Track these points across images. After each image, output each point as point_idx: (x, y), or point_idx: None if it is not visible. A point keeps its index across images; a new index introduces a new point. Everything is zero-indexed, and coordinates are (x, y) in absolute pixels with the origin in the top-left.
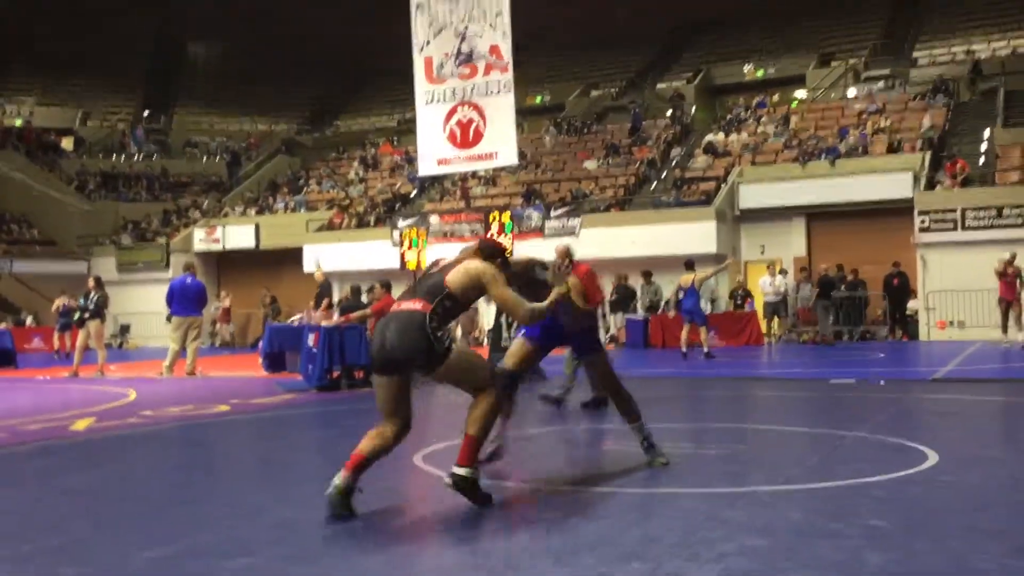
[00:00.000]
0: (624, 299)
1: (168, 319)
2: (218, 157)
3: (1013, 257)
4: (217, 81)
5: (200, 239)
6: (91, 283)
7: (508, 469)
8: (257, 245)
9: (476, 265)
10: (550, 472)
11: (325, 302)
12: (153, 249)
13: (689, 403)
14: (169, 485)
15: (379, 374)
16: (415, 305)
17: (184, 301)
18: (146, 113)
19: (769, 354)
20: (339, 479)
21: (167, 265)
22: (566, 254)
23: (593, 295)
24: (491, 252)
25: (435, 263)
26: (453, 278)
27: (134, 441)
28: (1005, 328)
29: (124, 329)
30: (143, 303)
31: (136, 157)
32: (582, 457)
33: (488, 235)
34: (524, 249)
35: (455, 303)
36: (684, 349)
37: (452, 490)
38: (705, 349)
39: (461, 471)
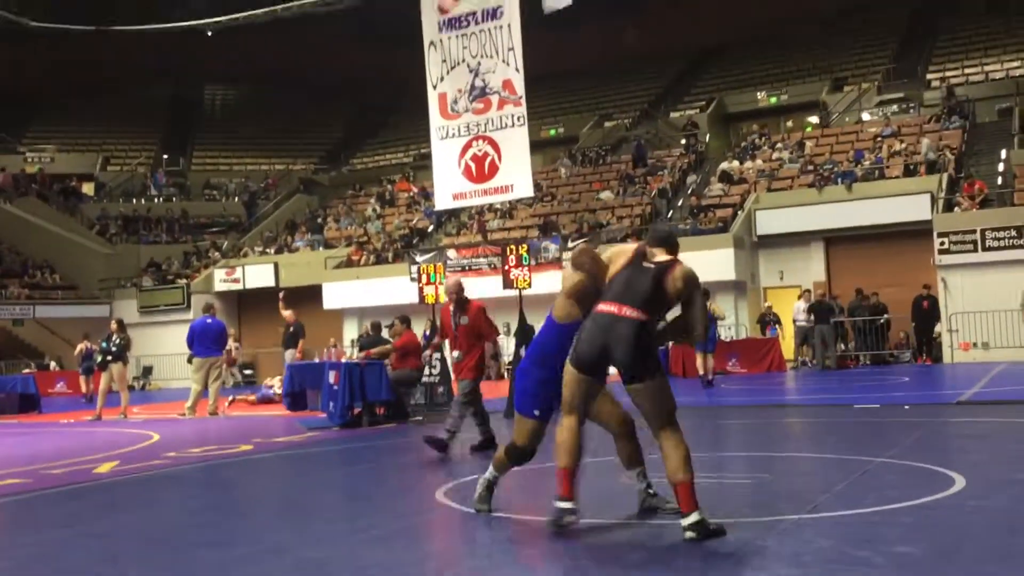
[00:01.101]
0: None
1: (189, 360)
2: (236, 198)
3: None
4: (234, 122)
5: (220, 279)
6: (113, 326)
7: (531, 503)
8: (277, 283)
9: (684, 270)
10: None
11: (301, 344)
12: (174, 291)
13: (713, 432)
14: (193, 526)
15: (582, 372)
16: (633, 313)
17: (205, 341)
18: (165, 156)
19: (794, 380)
20: (563, 505)
21: (188, 306)
22: (458, 289)
23: (488, 332)
24: (672, 243)
25: (623, 259)
26: (673, 288)
27: (158, 483)
28: None
29: (147, 371)
30: (165, 345)
31: (156, 200)
32: (602, 489)
33: (506, 268)
34: (542, 282)
35: (663, 314)
36: (708, 376)
37: (693, 539)
38: (709, 377)
39: (692, 518)
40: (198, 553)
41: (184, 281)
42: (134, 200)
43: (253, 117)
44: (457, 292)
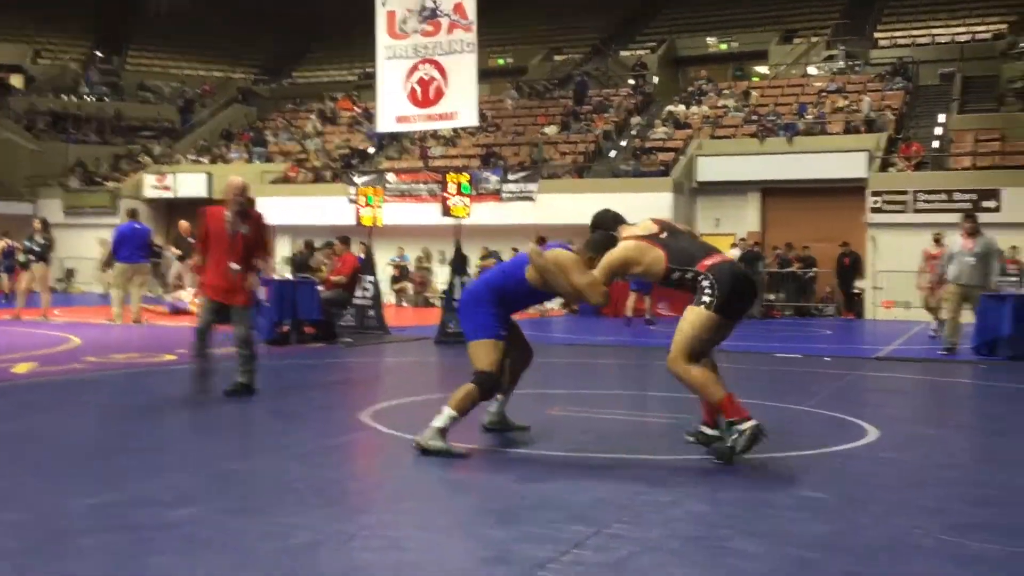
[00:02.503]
0: None
1: (110, 264)
2: (172, 103)
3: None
4: (174, 24)
5: (151, 185)
6: (37, 225)
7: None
8: (209, 194)
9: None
10: (497, 434)
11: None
12: (102, 193)
13: (639, 371)
14: (112, 433)
15: (731, 320)
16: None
17: (131, 247)
18: (99, 53)
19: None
20: (748, 424)
21: (116, 210)
22: (243, 190)
23: (268, 248)
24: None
25: (667, 225)
26: None
27: (77, 387)
28: None
29: (69, 274)
30: (90, 248)
31: (87, 98)
32: (529, 421)
33: (446, 197)
34: (481, 212)
35: None
36: (629, 317)
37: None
38: (647, 317)
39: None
40: (116, 459)
41: (113, 184)
42: (64, 96)
43: (193, 20)
44: (242, 194)
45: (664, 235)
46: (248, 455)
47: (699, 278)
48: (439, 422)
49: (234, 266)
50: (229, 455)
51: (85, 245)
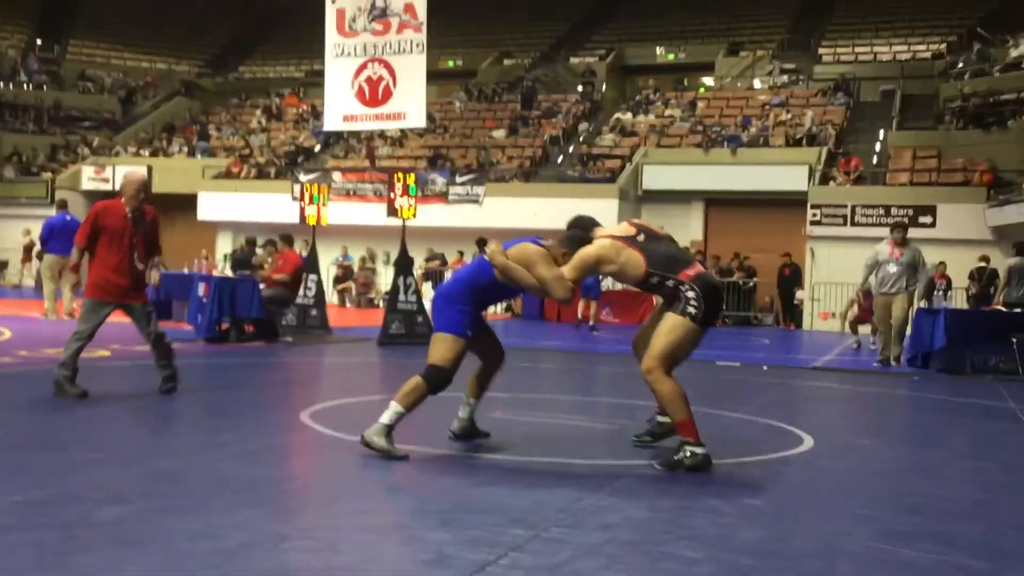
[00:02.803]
0: None
1: (39, 256)
2: (113, 93)
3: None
4: (117, 14)
5: (88, 177)
6: None
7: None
8: (149, 188)
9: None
10: (440, 439)
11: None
12: (37, 184)
13: (581, 377)
14: (41, 428)
15: (701, 326)
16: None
17: (63, 239)
18: (39, 41)
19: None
20: (699, 450)
21: (52, 201)
22: (145, 187)
23: (159, 246)
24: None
25: (644, 228)
26: None
27: (5, 381)
28: None
29: (2, 265)
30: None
31: (26, 86)
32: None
33: (392, 197)
34: (428, 214)
35: None
36: (579, 321)
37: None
38: (591, 323)
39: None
40: (45, 455)
41: (49, 175)
42: (1, 84)
43: (137, 10)
44: (144, 190)
45: (641, 238)
46: (181, 453)
47: (681, 287)
48: (385, 418)
49: (138, 264)
50: (162, 453)
51: (19, 236)
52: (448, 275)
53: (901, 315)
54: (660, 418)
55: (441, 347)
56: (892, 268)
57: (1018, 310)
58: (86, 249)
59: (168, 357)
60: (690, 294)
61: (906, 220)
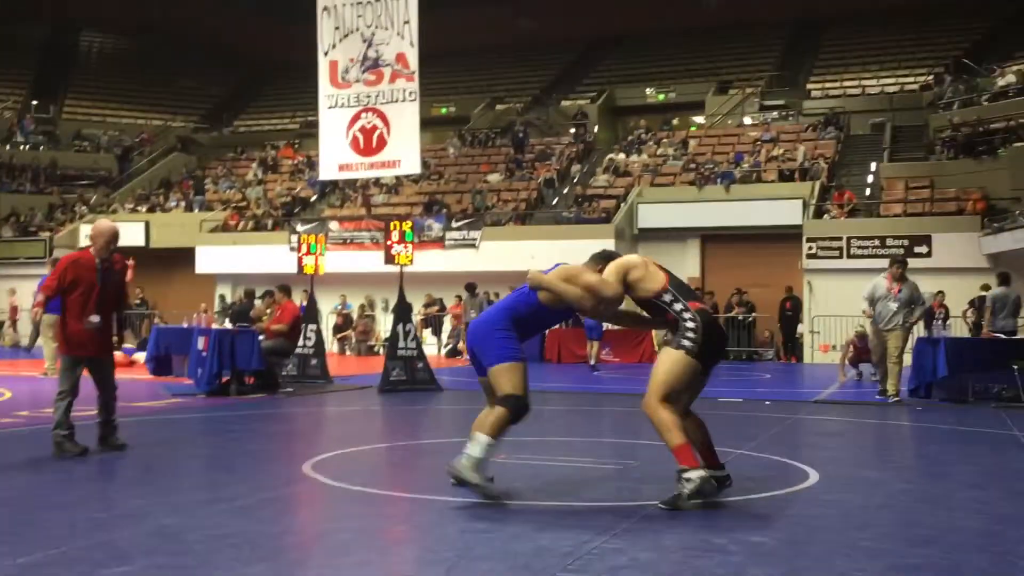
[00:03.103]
0: None
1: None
2: (109, 151)
3: None
4: (111, 72)
5: (86, 234)
6: None
7: (398, 480)
8: (147, 243)
9: None
10: (441, 483)
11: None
12: (35, 243)
13: (583, 417)
14: (43, 488)
15: (707, 368)
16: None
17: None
18: (35, 102)
19: None
20: (702, 473)
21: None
22: (116, 237)
23: (127, 297)
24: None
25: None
26: None
27: (7, 442)
28: None
29: (0, 325)
30: (24, 299)
31: (23, 147)
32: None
33: (389, 244)
34: (424, 260)
35: None
36: (592, 363)
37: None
38: (592, 363)
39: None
40: (48, 514)
41: (47, 234)
42: None
43: (132, 69)
44: (115, 241)
45: (662, 268)
46: (183, 509)
47: (686, 313)
48: (475, 451)
49: (95, 318)
50: (164, 509)
51: (19, 297)
52: (448, 321)
53: (895, 351)
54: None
55: (507, 377)
56: (891, 304)
57: (1016, 337)
58: (52, 299)
59: (114, 413)
60: (690, 324)
61: (903, 253)
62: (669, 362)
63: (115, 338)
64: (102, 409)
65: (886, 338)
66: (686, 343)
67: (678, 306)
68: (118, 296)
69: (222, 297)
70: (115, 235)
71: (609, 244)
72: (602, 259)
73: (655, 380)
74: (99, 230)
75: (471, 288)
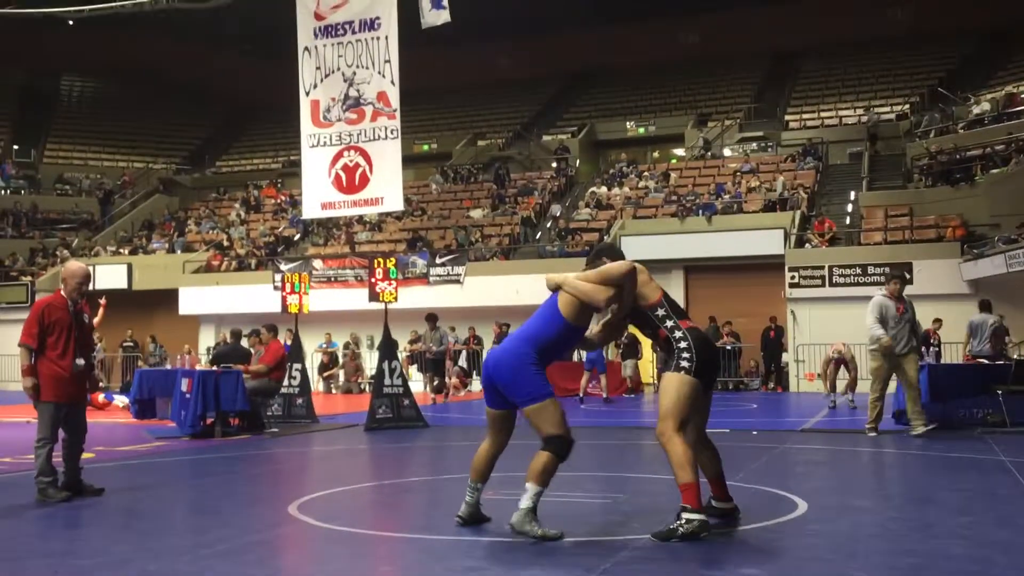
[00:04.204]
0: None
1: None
2: (91, 194)
3: None
4: (92, 116)
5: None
6: None
7: (386, 519)
8: (129, 285)
9: None
10: (429, 522)
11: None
12: (17, 288)
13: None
14: (27, 535)
15: (699, 379)
16: None
17: None
18: (16, 147)
19: (653, 402)
20: (698, 516)
21: (32, 305)
22: (88, 279)
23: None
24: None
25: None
26: None
27: None
28: None
29: None
30: (5, 345)
31: (3, 192)
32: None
33: (373, 281)
34: (409, 296)
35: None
36: (608, 394)
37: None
38: (580, 395)
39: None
40: (32, 563)
41: (29, 279)
42: None
43: (113, 112)
44: (87, 282)
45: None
46: (167, 555)
47: (677, 332)
48: (526, 502)
49: (80, 361)
50: (149, 555)
51: (1, 342)
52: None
53: (915, 378)
54: (714, 503)
55: (545, 416)
56: (904, 325)
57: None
58: (40, 347)
59: (79, 459)
60: (683, 344)
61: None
62: (673, 387)
63: (100, 382)
64: (70, 456)
65: (899, 363)
66: (684, 363)
67: (670, 323)
68: (90, 338)
69: (208, 350)
70: (87, 276)
71: None
72: (608, 250)
73: (665, 407)
74: (70, 271)
75: (432, 319)
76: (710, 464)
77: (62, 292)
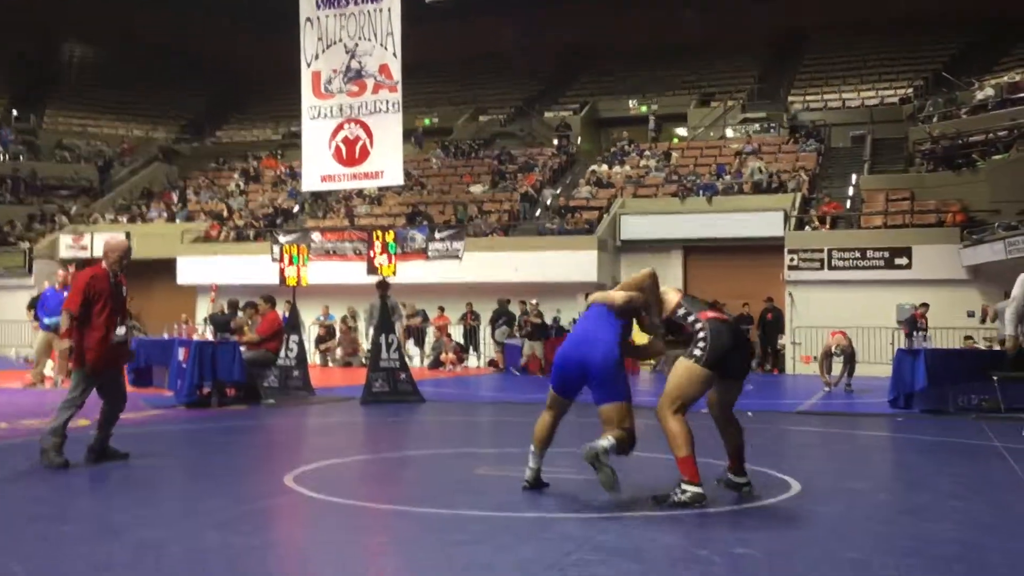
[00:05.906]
0: (507, 324)
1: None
2: (90, 161)
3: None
4: (93, 83)
5: (67, 245)
6: None
7: (381, 492)
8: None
9: None
10: (424, 495)
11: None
12: (15, 254)
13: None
14: (24, 500)
15: (729, 377)
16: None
17: (58, 311)
18: (15, 112)
19: (650, 382)
20: (696, 489)
21: (29, 271)
22: (128, 253)
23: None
24: None
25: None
26: None
27: None
28: None
29: None
30: (3, 310)
31: (2, 157)
32: (455, 480)
33: (372, 255)
34: (407, 271)
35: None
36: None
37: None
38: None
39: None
40: (29, 527)
41: (26, 245)
42: None
43: (114, 80)
44: (128, 256)
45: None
46: (163, 522)
47: (696, 324)
48: (605, 443)
49: (121, 330)
50: (144, 523)
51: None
52: (431, 332)
53: None
54: (731, 476)
55: (628, 414)
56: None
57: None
58: (83, 317)
59: (113, 425)
60: (701, 334)
61: (883, 265)
62: (679, 373)
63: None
64: (106, 423)
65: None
66: (696, 352)
67: (691, 318)
68: (125, 309)
69: (205, 320)
70: (127, 251)
71: (592, 256)
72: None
73: (668, 389)
74: (112, 246)
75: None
76: (733, 438)
77: (103, 264)
